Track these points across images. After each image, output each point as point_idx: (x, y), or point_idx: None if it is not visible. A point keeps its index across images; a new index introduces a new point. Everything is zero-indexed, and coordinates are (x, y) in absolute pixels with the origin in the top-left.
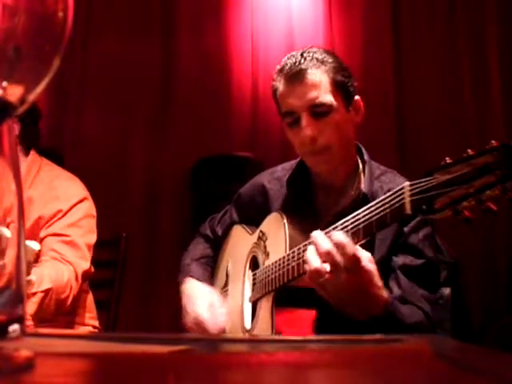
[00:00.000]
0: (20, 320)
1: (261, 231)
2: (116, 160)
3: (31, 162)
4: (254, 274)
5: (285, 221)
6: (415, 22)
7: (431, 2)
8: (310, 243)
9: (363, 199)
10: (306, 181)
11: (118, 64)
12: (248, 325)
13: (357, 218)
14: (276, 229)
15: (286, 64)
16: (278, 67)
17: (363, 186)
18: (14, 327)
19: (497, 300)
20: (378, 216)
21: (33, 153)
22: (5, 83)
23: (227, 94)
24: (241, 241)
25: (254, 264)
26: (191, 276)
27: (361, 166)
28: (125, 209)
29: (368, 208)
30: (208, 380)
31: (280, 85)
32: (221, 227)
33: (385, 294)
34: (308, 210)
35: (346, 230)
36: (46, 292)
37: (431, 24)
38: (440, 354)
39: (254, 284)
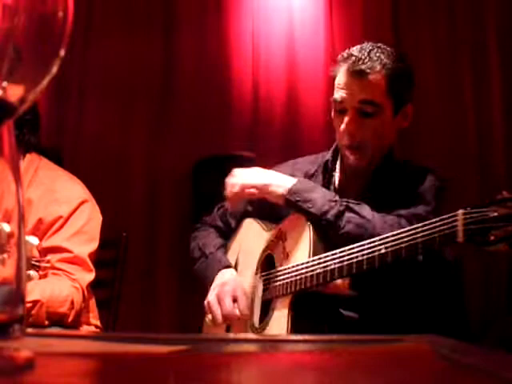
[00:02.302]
0: (20, 320)
1: (280, 230)
2: (116, 160)
3: (28, 163)
4: (268, 273)
5: (309, 223)
6: (415, 22)
7: (431, 2)
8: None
9: (379, 179)
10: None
11: (119, 63)
12: (257, 322)
13: (399, 236)
14: (299, 230)
15: (352, 56)
16: (345, 55)
17: (381, 171)
18: (15, 327)
19: (497, 300)
20: (425, 238)
21: (29, 153)
22: (5, 83)
23: (228, 94)
24: (254, 236)
25: (268, 262)
26: (224, 265)
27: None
28: (125, 209)
29: (413, 229)
30: (208, 380)
31: (339, 74)
32: (234, 218)
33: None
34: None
35: (385, 246)
36: (34, 303)
37: (431, 24)
38: (440, 354)
39: (267, 283)
